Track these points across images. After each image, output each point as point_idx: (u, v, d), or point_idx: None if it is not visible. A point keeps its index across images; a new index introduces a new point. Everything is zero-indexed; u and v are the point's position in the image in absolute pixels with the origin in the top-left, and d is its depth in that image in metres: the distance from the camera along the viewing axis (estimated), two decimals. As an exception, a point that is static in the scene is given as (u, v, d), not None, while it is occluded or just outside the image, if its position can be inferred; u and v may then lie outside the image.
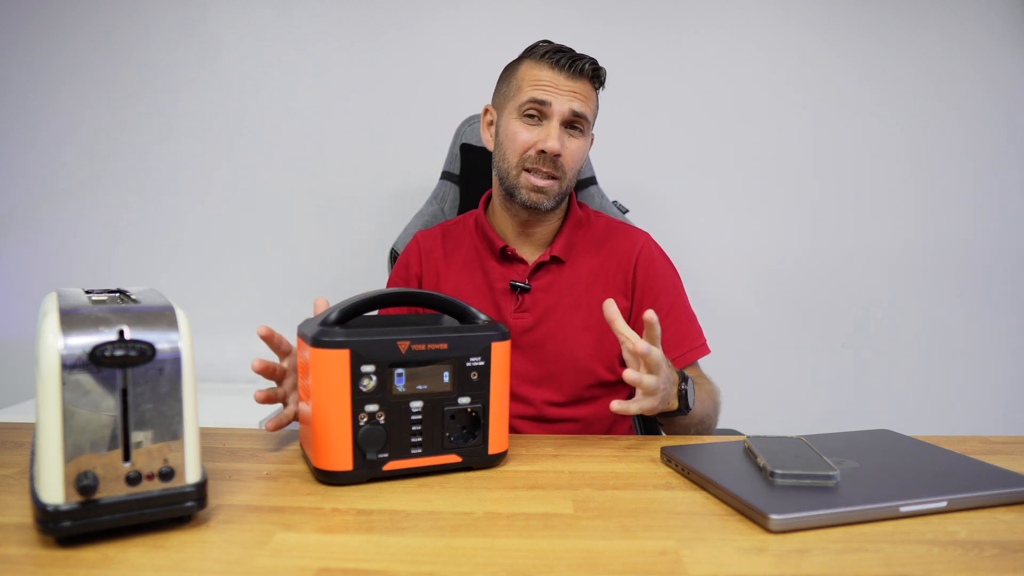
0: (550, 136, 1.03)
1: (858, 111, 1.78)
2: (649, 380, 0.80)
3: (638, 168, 1.79)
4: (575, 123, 1.06)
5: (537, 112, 1.05)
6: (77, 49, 1.81)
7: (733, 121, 1.79)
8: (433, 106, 1.78)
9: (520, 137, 1.05)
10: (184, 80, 1.82)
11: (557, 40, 1.11)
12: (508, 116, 1.08)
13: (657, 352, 0.80)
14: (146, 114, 1.82)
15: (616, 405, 0.80)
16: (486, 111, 1.16)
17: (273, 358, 0.82)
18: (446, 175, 1.43)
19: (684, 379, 0.90)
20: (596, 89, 1.09)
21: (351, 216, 1.82)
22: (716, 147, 1.80)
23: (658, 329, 0.81)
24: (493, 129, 1.14)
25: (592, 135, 1.15)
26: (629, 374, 0.79)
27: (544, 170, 1.05)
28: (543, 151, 1.04)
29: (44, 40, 1.81)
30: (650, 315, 0.81)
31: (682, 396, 0.89)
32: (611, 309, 0.83)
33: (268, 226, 1.84)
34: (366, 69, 1.80)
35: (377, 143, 1.81)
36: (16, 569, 0.51)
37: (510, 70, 1.11)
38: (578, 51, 1.07)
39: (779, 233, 1.81)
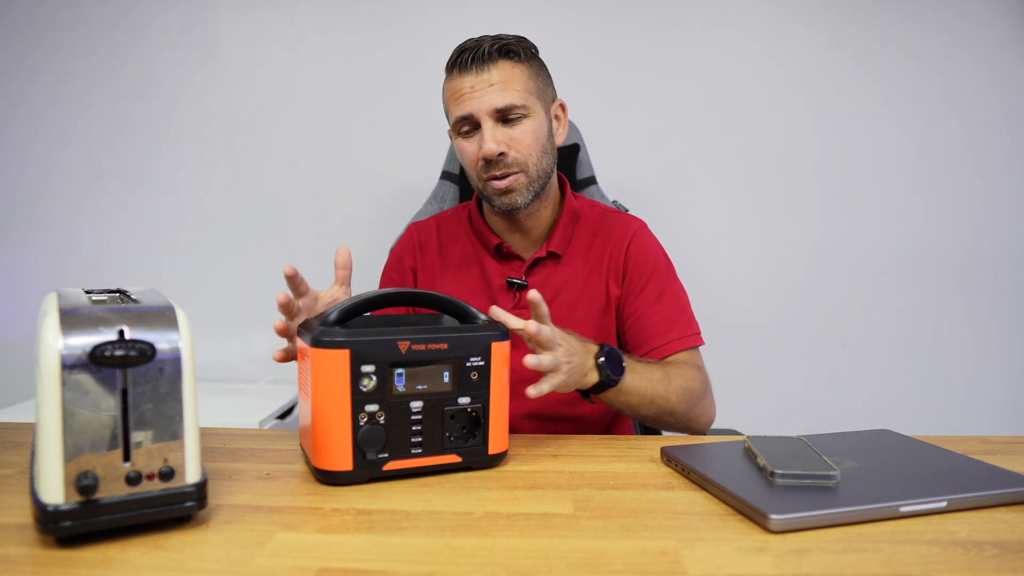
0: (484, 140, 1.00)
1: (858, 110, 1.78)
2: (546, 359, 0.77)
3: (638, 168, 1.79)
4: (508, 114, 1.01)
5: (468, 125, 1.03)
6: (76, 48, 1.81)
7: (733, 120, 1.79)
8: (433, 105, 1.78)
9: (466, 154, 1.05)
10: (184, 79, 1.81)
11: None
12: (454, 137, 1.08)
13: (545, 330, 0.77)
14: (146, 114, 1.82)
15: (531, 390, 0.77)
16: (450, 135, 1.14)
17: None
18: (446, 175, 1.43)
19: (602, 351, 0.87)
20: (521, 62, 1.03)
21: (351, 216, 1.82)
22: (716, 146, 1.80)
23: (543, 308, 0.79)
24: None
25: (557, 103, 1.10)
26: (528, 359, 0.76)
27: (497, 174, 1.02)
28: (485, 159, 1.01)
29: (43, 39, 1.81)
30: (533, 294, 0.78)
31: (600, 368, 0.85)
32: (498, 314, 0.79)
33: (268, 226, 1.84)
34: (366, 68, 1.80)
35: (377, 143, 1.81)
36: (16, 569, 0.51)
37: (442, 92, 1.10)
38: (491, 35, 1.04)
39: (779, 233, 1.81)
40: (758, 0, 1.77)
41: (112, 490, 0.54)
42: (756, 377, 1.81)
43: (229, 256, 1.84)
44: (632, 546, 0.56)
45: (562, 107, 1.12)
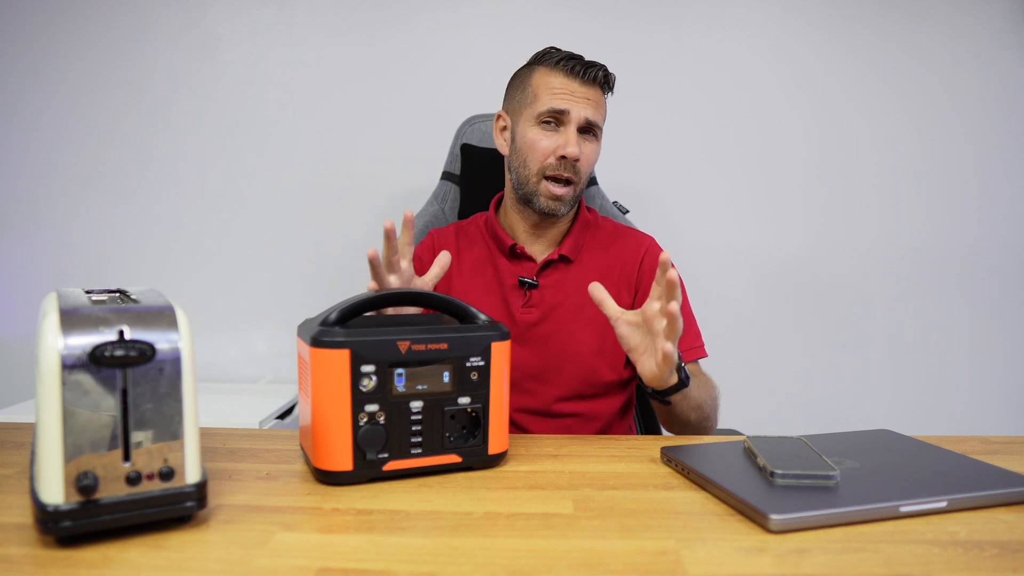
0: (569, 142, 1.06)
1: (859, 111, 1.78)
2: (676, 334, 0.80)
3: (638, 168, 1.79)
4: (589, 129, 1.09)
5: (554, 119, 1.08)
6: (75, 48, 1.81)
7: (733, 120, 1.79)
8: (434, 106, 1.78)
9: (540, 144, 1.08)
10: (183, 79, 1.81)
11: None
12: (525, 123, 1.11)
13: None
14: (145, 113, 1.82)
15: (668, 346, 0.78)
16: (499, 117, 1.18)
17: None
18: (446, 175, 1.43)
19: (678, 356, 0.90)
20: (605, 95, 1.12)
21: (351, 216, 1.82)
22: (716, 147, 1.80)
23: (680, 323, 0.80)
24: (507, 135, 1.16)
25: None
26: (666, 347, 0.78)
27: (564, 175, 1.08)
28: (563, 156, 1.07)
29: (42, 38, 1.81)
30: (674, 307, 0.78)
31: (679, 368, 0.89)
32: (598, 291, 0.86)
33: (268, 226, 1.84)
34: (366, 69, 1.80)
35: (377, 143, 1.81)
36: (16, 569, 0.51)
37: (523, 76, 1.13)
38: (587, 58, 1.10)
39: (780, 232, 1.81)
40: (759, 0, 1.77)
41: (112, 490, 0.54)
42: (756, 377, 1.81)
43: (229, 256, 1.84)
44: (632, 546, 0.56)
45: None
